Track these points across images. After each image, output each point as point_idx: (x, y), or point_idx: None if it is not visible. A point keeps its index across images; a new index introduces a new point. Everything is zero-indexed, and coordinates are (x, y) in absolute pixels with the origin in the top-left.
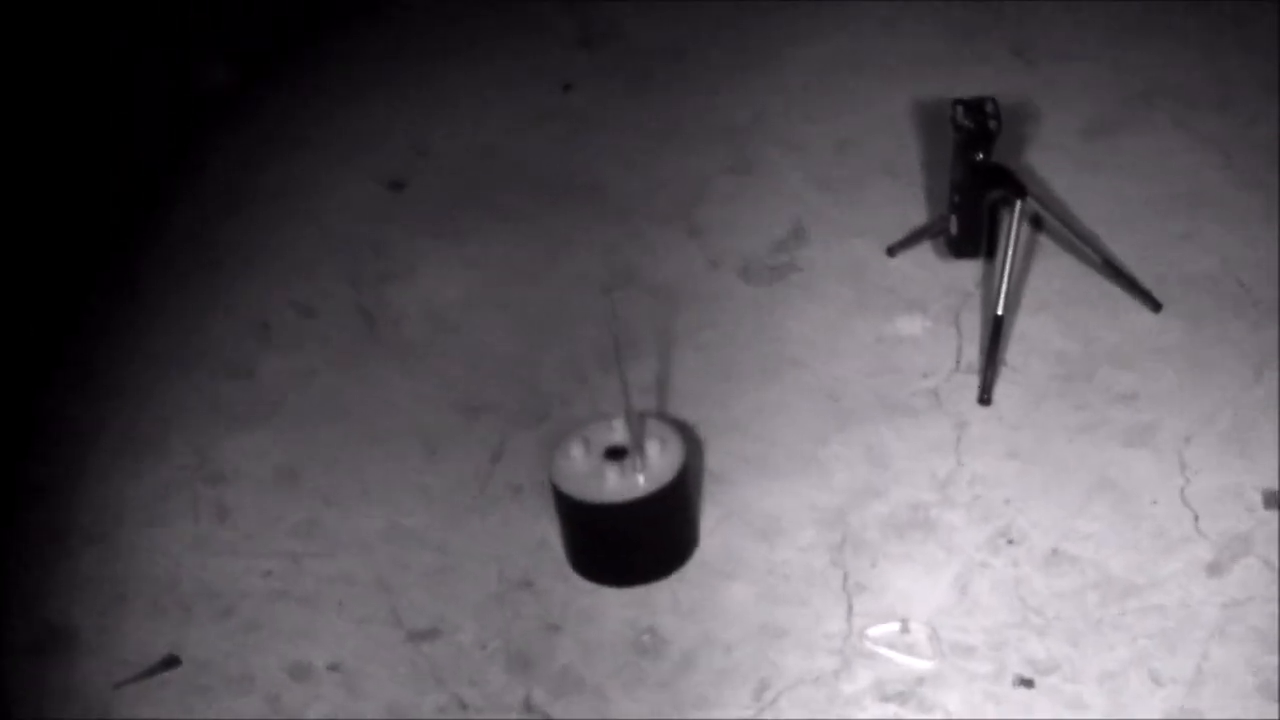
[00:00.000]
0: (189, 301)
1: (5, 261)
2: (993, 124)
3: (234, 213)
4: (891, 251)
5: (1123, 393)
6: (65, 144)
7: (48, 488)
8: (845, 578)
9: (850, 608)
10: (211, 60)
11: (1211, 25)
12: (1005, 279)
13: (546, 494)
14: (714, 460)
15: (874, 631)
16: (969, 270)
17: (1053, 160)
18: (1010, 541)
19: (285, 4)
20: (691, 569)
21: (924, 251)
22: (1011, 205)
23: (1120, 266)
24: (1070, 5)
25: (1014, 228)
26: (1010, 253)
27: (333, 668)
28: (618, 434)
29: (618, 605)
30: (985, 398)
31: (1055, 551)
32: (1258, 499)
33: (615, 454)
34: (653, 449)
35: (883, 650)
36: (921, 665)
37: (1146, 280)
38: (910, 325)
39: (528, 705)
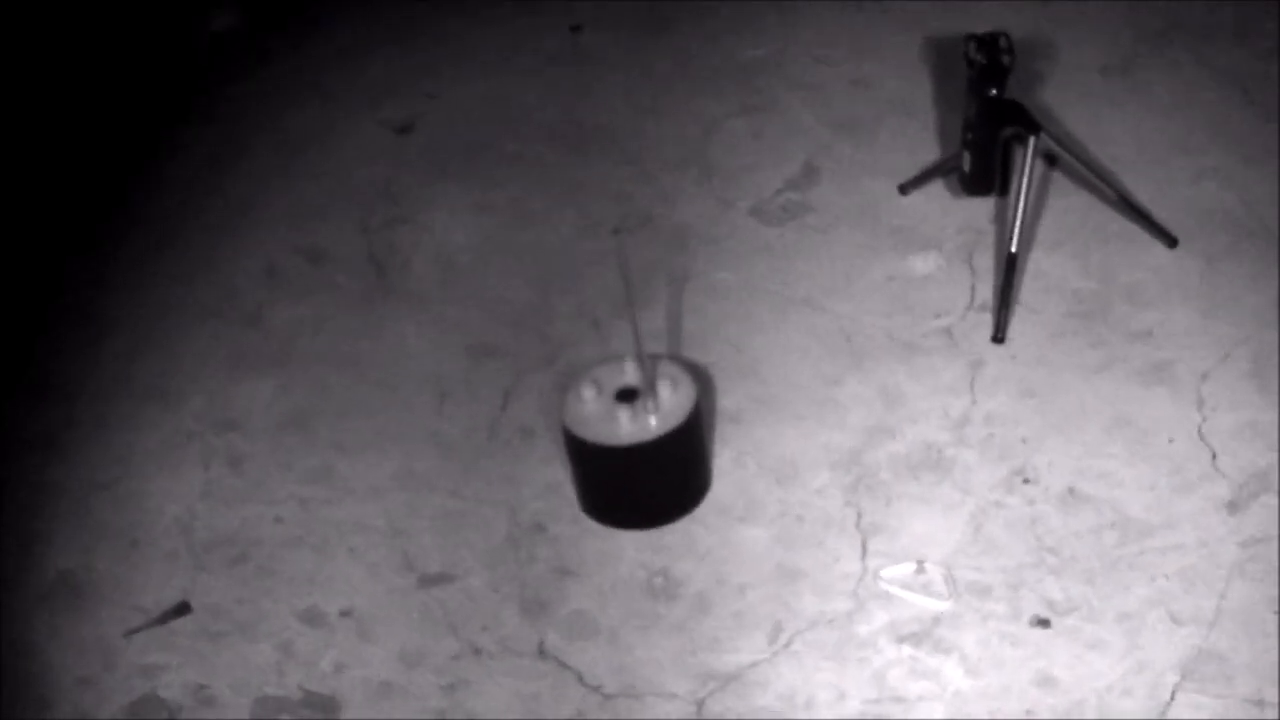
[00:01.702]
0: (197, 249)
1: (12, 211)
2: (1006, 59)
3: (241, 159)
4: (904, 190)
5: (1139, 330)
6: (71, 92)
7: (58, 437)
8: (860, 518)
9: (865, 549)
10: (218, 5)
11: None
12: (1019, 216)
13: (558, 437)
14: (727, 402)
15: (889, 572)
16: (982, 208)
17: (1069, 97)
18: (1026, 481)
19: None
20: (705, 511)
21: (937, 189)
22: (1025, 141)
23: (1136, 202)
24: None
25: (1028, 164)
26: (1024, 189)
27: (345, 614)
28: (629, 375)
29: (631, 548)
30: (999, 336)
31: (1072, 490)
32: (1276, 435)
33: (627, 396)
34: (664, 390)
35: (898, 591)
36: (937, 606)
37: (1164, 216)
38: (924, 264)
39: (541, 650)
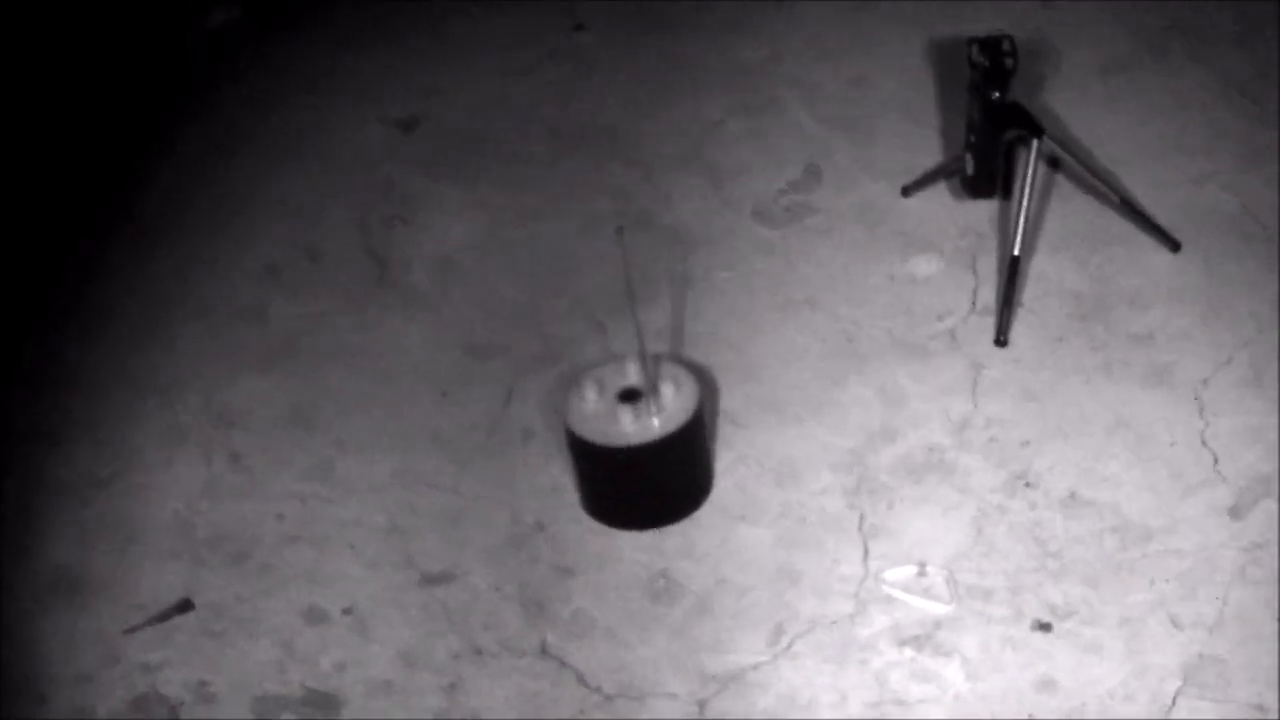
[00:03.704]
0: (197, 245)
1: (9, 205)
2: (1009, 62)
3: (241, 155)
4: (906, 192)
5: (1140, 333)
6: (69, 87)
7: (58, 433)
8: (861, 521)
9: (866, 551)
10: (217, 1)
11: None
12: (1021, 219)
13: (559, 437)
14: (728, 403)
15: (890, 575)
16: (985, 210)
17: (1070, 99)
18: (1027, 484)
19: None
20: (706, 512)
21: (939, 192)
22: (1028, 144)
23: (1138, 206)
24: None
25: (1030, 167)
26: (1026, 192)
27: (346, 612)
28: (631, 376)
29: (632, 549)
30: (1001, 339)
31: (1073, 494)
32: (1277, 440)
33: (629, 396)
34: (667, 391)
35: (899, 594)
36: (938, 609)
37: (1165, 220)
38: (925, 266)
39: (542, 649)
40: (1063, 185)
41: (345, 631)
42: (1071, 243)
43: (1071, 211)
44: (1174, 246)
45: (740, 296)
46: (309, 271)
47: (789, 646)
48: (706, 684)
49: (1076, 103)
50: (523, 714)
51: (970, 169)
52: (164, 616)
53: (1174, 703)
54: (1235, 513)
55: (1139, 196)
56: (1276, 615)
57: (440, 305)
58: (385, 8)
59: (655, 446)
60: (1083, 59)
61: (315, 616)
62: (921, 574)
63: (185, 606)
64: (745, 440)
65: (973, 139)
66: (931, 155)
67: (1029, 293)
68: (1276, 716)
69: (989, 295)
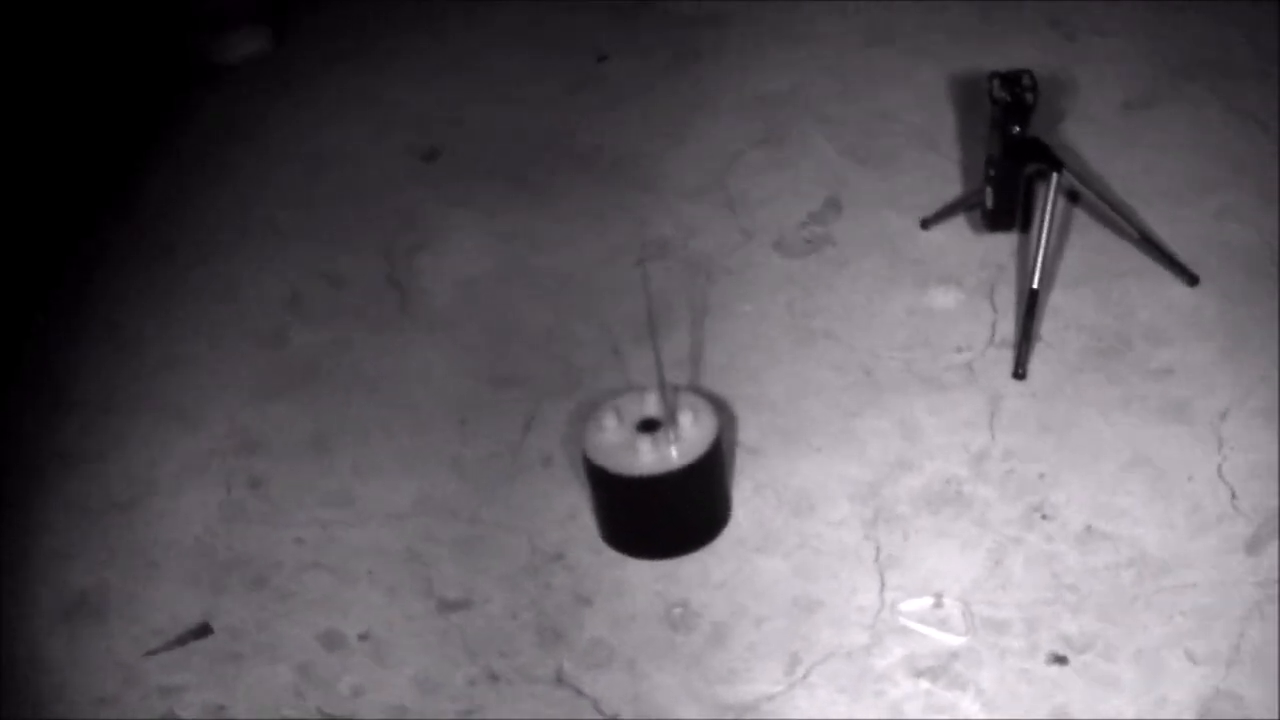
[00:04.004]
0: (221, 270)
1: (37, 227)
2: (1029, 97)
3: (265, 182)
4: (926, 224)
5: (1158, 367)
6: (100, 111)
7: (80, 456)
8: (878, 552)
9: (883, 582)
10: (245, 29)
11: None
12: (1040, 252)
13: (578, 465)
14: (746, 433)
15: (906, 606)
16: (1004, 243)
17: (1090, 133)
18: (1044, 517)
19: None
20: (723, 542)
21: (959, 224)
22: (1047, 178)
23: (1156, 240)
24: None
25: (1050, 201)
26: (1046, 226)
27: (363, 637)
28: (650, 406)
29: (649, 578)
30: (1020, 372)
31: (1089, 528)
32: None
33: (648, 426)
34: (686, 421)
35: (915, 625)
36: (954, 641)
37: (1183, 254)
38: (945, 298)
39: (558, 677)
40: (1082, 219)
41: (362, 657)
42: (1090, 276)
43: (1090, 245)
44: (1192, 280)
45: (759, 327)
46: (332, 298)
47: (805, 677)
48: (722, 713)
49: (1096, 137)
50: None
51: (990, 202)
52: (183, 640)
53: None
54: (1252, 547)
55: (1157, 230)
56: None
57: (461, 333)
58: (410, 39)
59: (673, 476)
60: (1103, 94)
61: (333, 642)
62: (937, 605)
63: (204, 630)
64: (763, 470)
65: (992, 172)
66: (951, 188)
67: (1047, 326)
68: None
69: (1008, 328)
